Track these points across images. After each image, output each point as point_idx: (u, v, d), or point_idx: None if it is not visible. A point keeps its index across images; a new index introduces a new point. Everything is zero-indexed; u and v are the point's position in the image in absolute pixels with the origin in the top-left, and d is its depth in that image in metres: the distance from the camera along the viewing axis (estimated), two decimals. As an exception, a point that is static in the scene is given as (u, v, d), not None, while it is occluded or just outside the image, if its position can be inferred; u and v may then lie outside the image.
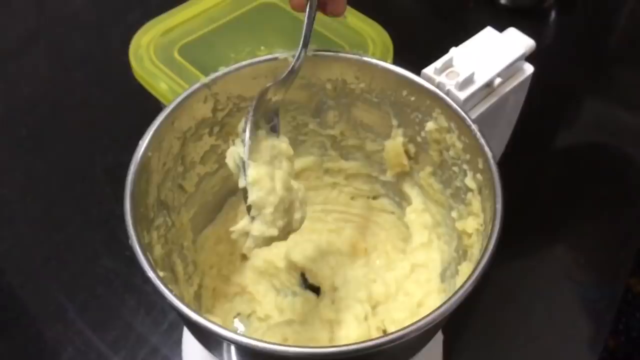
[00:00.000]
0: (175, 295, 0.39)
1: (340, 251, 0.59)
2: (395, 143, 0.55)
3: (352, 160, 0.60)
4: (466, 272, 0.45)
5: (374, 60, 0.52)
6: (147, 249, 0.44)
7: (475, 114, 0.51)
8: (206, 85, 0.50)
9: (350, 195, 0.62)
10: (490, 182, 0.45)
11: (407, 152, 0.55)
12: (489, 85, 0.52)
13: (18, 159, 0.81)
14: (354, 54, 0.52)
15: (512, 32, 0.54)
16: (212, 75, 0.51)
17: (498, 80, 0.52)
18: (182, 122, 0.50)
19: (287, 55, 0.52)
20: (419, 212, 0.57)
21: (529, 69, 0.54)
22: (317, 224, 0.62)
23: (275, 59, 0.52)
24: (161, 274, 0.46)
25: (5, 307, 0.67)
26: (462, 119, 0.48)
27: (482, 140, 0.46)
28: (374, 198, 0.62)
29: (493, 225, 0.42)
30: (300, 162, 0.60)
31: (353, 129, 0.57)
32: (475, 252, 0.46)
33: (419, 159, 0.55)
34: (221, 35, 0.77)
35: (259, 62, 0.52)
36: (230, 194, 0.60)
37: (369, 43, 0.73)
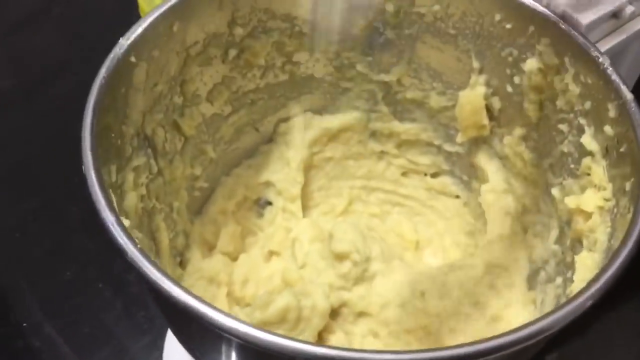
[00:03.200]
0: (140, 250, 0.25)
1: (384, 242, 0.44)
2: (474, 95, 0.42)
3: (409, 121, 0.47)
4: (589, 266, 0.31)
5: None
6: (112, 188, 0.30)
7: (597, 51, 0.37)
8: (224, -16, 0.37)
9: (402, 170, 0.49)
10: (630, 134, 0.31)
11: (488, 108, 0.42)
12: (616, 15, 0.37)
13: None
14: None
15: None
16: (234, -28, 0.38)
17: (629, 9, 0.37)
18: (185, 29, 0.37)
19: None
20: (498, 193, 0.43)
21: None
22: (356, 205, 0.49)
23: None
24: (137, 233, 0.32)
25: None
26: (585, 50, 0.34)
27: (616, 78, 0.32)
28: (434, 176, 0.49)
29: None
30: (340, 119, 0.47)
31: (415, 74, 0.45)
32: (600, 237, 0.32)
33: (503, 119, 0.42)
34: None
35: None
36: (248, 153, 0.47)
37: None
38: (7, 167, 0.63)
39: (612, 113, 0.33)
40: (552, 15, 0.36)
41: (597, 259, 0.31)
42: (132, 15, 0.59)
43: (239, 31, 0.40)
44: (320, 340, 0.38)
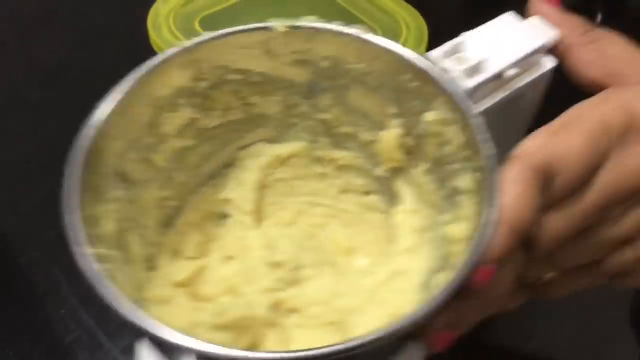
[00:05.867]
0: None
1: (320, 249, 0.53)
2: (391, 134, 0.50)
3: (345, 149, 0.55)
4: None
5: (376, 39, 0.47)
6: (88, 221, 0.39)
7: (482, 107, 0.46)
8: (187, 50, 0.46)
9: (341, 189, 0.57)
10: (486, 183, 0.39)
11: (403, 145, 0.50)
12: (500, 76, 0.46)
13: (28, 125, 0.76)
14: (356, 31, 0.47)
15: (535, 21, 0.48)
16: (195, 40, 0.47)
17: (511, 72, 0.46)
18: (155, 88, 0.46)
19: (281, 25, 0.47)
20: (408, 213, 0.51)
21: (548, 63, 0.48)
22: (301, 217, 0.56)
23: (267, 28, 0.48)
24: (109, 251, 0.41)
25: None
26: (465, 110, 0.42)
27: (481, 135, 0.41)
28: (366, 194, 0.56)
29: (480, 233, 0.37)
30: (288, 147, 0.55)
31: (348, 114, 0.52)
32: (460, 261, 0.41)
33: (415, 154, 0.50)
34: (246, 8, 0.73)
35: (249, 30, 0.48)
36: (212, 175, 0.55)
37: (403, 27, 0.69)
38: (22, 158, 0.71)
39: (481, 163, 0.41)
40: (444, 79, 0.44)
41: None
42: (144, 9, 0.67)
43: (202, 84, 0.48)
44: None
